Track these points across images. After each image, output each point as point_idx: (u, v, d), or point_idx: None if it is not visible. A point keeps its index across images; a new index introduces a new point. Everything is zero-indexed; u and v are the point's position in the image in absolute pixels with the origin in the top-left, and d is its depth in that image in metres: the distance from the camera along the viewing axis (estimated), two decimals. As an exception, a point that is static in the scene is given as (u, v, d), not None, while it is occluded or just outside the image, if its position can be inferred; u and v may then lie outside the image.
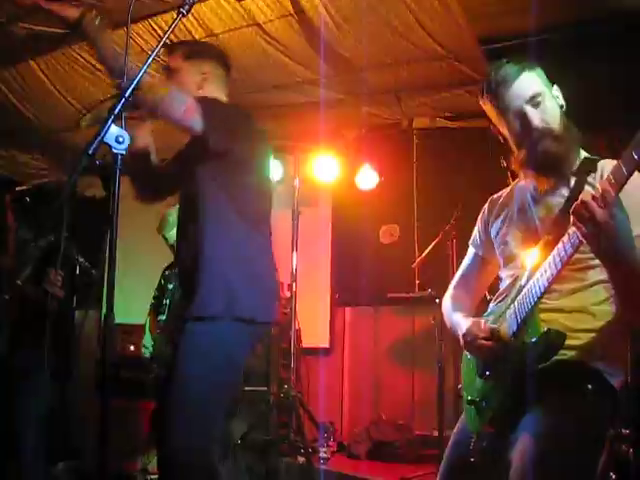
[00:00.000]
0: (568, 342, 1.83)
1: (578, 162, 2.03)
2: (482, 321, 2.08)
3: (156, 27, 4.61)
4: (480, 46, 4.50)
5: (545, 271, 1.84)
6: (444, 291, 2.48)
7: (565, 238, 1.77)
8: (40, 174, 6.95)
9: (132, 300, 6.38)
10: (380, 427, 5.23)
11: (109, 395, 1.74)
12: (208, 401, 2.42)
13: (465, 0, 4.14)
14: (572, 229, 1.72)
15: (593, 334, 1.90)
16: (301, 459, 4.66)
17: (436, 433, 4.54)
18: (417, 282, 5.51)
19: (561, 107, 2.07)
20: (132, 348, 5.77)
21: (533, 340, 1.84)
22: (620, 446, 3.27)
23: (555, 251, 1.81)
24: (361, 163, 5.78)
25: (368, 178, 5.79)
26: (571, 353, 1.86)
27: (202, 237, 2.50)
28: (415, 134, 6.06)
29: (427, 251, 4.75)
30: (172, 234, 4.23)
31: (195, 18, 4.44)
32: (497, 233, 2.22)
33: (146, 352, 4.47)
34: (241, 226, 2.55)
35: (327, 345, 6.13)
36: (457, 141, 5.58)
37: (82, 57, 4.98)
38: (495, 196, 2.34)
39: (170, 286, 4.44)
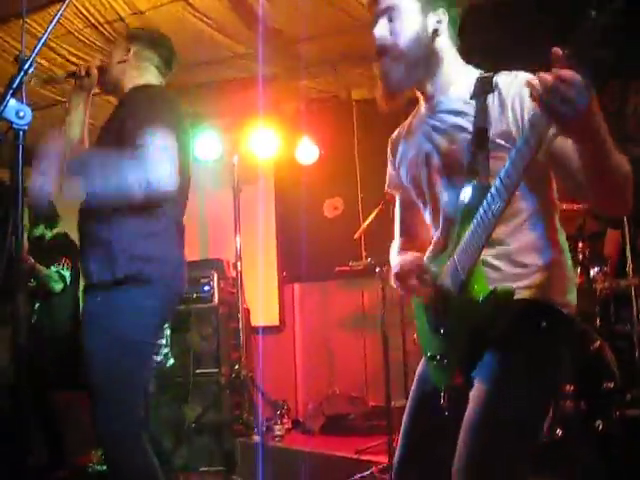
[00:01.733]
0: (517, 284, 1.78)
1: (470, 84, 1.90)
2: (417, 255, 2.00)
3: (82, 9, 4.49)
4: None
5: (484, 215, 1.71)
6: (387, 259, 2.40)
7: (502, 174, 1.63)
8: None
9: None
10: (334, 401, 5.22)
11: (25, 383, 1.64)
12: (123, 380, 2.44)
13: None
14: (507, 163, 1.60)
15: (539, 269, 1.83)
16: (256, 438, 4.63)
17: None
18: (364, 253, 5.48)
19: (433, 32, 1.94)
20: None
21: (480, 300, 1.76)
22: (564, 402, 3.31)
23: (493, 190, 1.67)
24: (301, 137, 5.71)
25: (309, 152, 5.73)
26: (522, 293, 1.79)
27: (106, 217, 2.50)
28: (354, 105, 6.00)
29: (368, 221, 4.71)
30: None
31: (119, -5, 4.32)
32: (406, 175, 2.10)
33: None
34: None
35: (277, 323, 6.09)
36: (396, 110, 5.55)
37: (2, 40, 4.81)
38: (394, 136, 2.21)
39: None
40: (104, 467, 4.57)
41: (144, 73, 2.83)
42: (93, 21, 4.61)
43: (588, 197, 1.75)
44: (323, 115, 5.93)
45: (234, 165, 5.27)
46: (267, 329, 5.93)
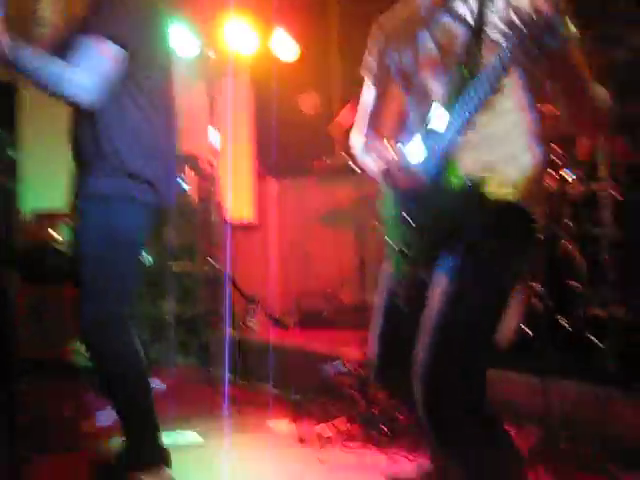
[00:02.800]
0: (491, 174, 1.80)
1: None
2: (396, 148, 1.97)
3: None
4: None
5: (466, 105, 1.75)
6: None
7: (488, 68, 1.69)
8: None
9: (53, 186, 6.20)
10: (308, 298, 5.31)
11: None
12: (106, 276, 2.52)
13: None
14: (495, 63, 1.65)
15: (509, 165, 1.86)
16: (232, 332, 4.71)
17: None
18: (340, 150, 5.43)
19: None
20: (54, 235, 5.62)
21: (454, 188, 1.80)
22: (532, 300, 3.39)
23: (477, 83, 1.72)
24: (276, 29, 5.53)
25: (286, 46, 5.57)
26: (493, 189, 1.80)
27: (96, 120, 2.49)
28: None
29: (344, 118, 4.64)
30: None
31: None
32: (393, 62, 2.07)
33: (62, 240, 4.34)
34: (135, 106, 2.53)
35: (253, 220, 6.09)
36: (379, 6, 5.38)
37: None
38: (382, 20, 2.16)
39: None
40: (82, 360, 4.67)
41: None
42: None
43: (564, 116, 1.83)
44: (301, 9, 5.74)
45: (210, 58, 5.11)
46: (243, 226, 5.95)
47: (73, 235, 4.05)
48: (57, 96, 2.37)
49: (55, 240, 5.58)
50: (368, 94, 2.21)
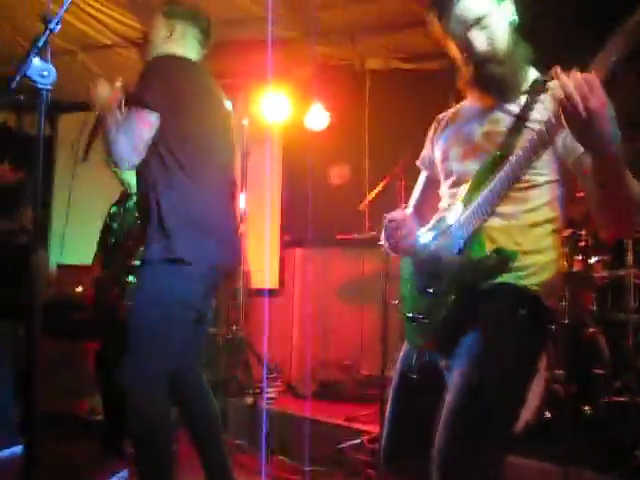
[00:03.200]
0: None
1: (528, 81, 1.99)
2: (405, 212, 2.10)
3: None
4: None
5: (495, 187, 1.84)
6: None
7: (520, 153, 1.77)
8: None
9: (80, 241, 6.32)
10: (327, 368, 5.29)
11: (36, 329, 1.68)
12: (153, 337, 2.64)
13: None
14: (527, 143, 1.73)
15: (532, 256, 1.90)
16: (248, 399, 4.69)
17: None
18: (368, 224, 5.50)
19: (511, 23, 2.00)
20: (79, 289, 5.71)
21: (483, 255, 1.84)
22: (553, 386, 3.36)
23: (507, 166, 1.81)
24: (312, 103, 5.69)
25: (319, 118, 5.71)
26: (509, 275, 1.86)
27: (146, 188, 2.72)
28: (368, 75, 5.97)
29: (374, 193, 4.73)
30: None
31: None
32: (441, 150, 2.17)
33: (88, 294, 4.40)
34: (182, 175, 2.70)
35: (277, 286, 6.13)
36: (410, 83, 5.52)
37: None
38: (441, 115, 2.29)
39: (115, 225, 4.35)
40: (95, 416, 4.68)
41: (186, 48, 2.95)
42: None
43: (596, 219, 1.88)
44: (336, 83, 5.90)
45: (244, 127, 5.26)
46: (266, 292, 5.97)
47: (101, 292, 4.13)
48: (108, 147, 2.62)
49: (78, 294, 5.66)
50: (420, 180, 2.35)
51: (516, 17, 2.02)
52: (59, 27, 1.76)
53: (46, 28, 1.74)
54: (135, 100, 2.64)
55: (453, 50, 2.05)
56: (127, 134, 2.59)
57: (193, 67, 2.90)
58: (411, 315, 2.07)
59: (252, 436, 4.32)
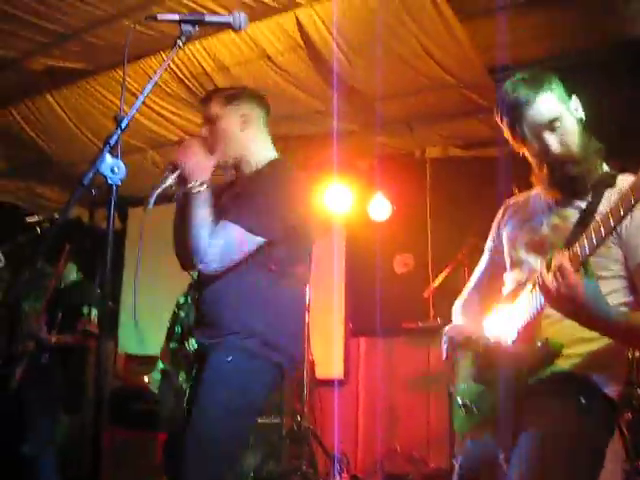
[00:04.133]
0: (565, 351, 1.84)
1: (597, 175, 2.01)
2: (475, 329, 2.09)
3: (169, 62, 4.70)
4: (489, 74, 4.51)
5: None
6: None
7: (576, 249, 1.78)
8: (59, 207, 7.05)
9: (148, 332, 6.44)
10: (394, 460, 5.16)
11: (102, 422, 1.72)
12: (227, 440, 2.42)
13: (473, 30, 4.18)
14: (584, 241, 1.75)
15: (591, 344, 1.89)
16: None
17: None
18: (433, 312, 5.46)
19: (580, 121, 2.03)
20: (146, 379, 5.77)
21: (534, 346, 1.85)
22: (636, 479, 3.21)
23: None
24: (374, 193, 5.77)
25: (381, 208, 5.78)
26: (566, 363, 1.86)
27: (229, 284, 2.49)
28: (428, 163, 6.05)
29: (438, 281, 4.73)
30: None
31: (206, 52, 4.52)
32: (508, 237, 2.20)
33: (153, 384, 4.43)
34: (268, 273, 2.52)
35: (341, 376, 6.08)
36: (470, 170, 5.57)
37: (97, 91, 5.07)
38: (511, 201, 2.30)
39: (182, 314, 4.44)
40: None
41: (264, 138, 2.75)
42: (180, 75, 4.83)
43: None
44: (397, 172, 5.99)
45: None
46: (331, 382, 5.93)
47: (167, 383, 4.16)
48: (185, 251, 2.44)
49: (145, 385, 5.71)
50: (482, 263, 2.34)
51: (583, 114, 2.05)
52: (129, 126, 1.87)
53: (117, 127, 1.85)
54: (237, 218, 2.43)
55: (524, 151, 2.08)
56: (221, 248, 2.40)
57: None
58: (461, 402, 2.05)
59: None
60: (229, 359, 2.42)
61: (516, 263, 2.13)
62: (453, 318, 2.37)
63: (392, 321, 5.58)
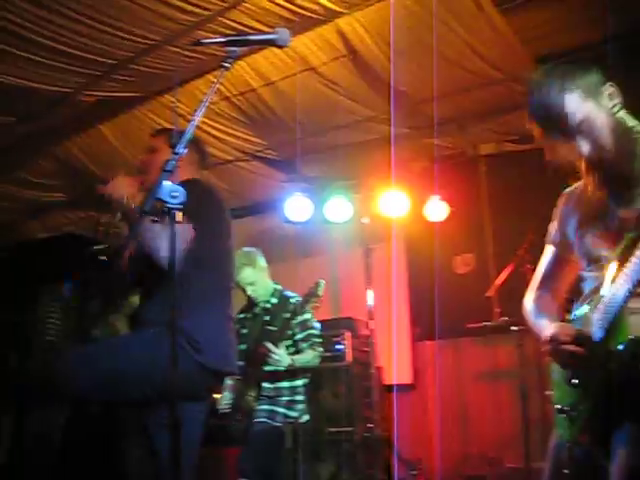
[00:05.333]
0: None
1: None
2: (568, 325, 2.01)
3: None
4: (536, 65, 4.45)
5: (631, 272, 1.77)
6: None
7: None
8: (120, 233, 7.18)
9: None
10: (470, 462, 5.10)
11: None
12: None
13: (516, 21, 4.13)
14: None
15: None
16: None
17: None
18: (498, 311, 5.39)
19: (615, 111, 1.94)
20: (216, 396, 5.83)
21: (620, 348, 1.78)
22: None
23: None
24: (430, 195, 5.73)
25: (438, 209, 5.74)
26: None
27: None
28: (482, 161, 5.99)
29: (501, 279, 4.67)
30: (241, 276, 4.32)
31: (251, 68, 4.57)
32: (574, 231, 2.12)
33: (224, 402, 4.45)
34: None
35: (410, 381, 6.04)
36: (526, 163, 5.47)
37: (148, 117, 5.18)
38: (568, 190, 2.22)
39: (244, 331, 4.47)
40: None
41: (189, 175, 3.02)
42: (227, 94, 4.89)
43: None
44: (451, 172, 5.94)
45: (364, 225, 5.35)
46: (400, 387, 5.89)
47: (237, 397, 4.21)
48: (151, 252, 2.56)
49: (217, 402, 5.77)
50: (547, 257, 2.28)
51: (618, 100, 1.96)
52: (185, 151, 1.91)
53: (173, 152, 1.89)
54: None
55: (563, 154, 2.02)
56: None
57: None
58: (559, 407, 2.00)
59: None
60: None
61: (591, 258, 2.05)
62: (528, 317, 2.30)
63: (457, 322, 5.54)
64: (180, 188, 1.84)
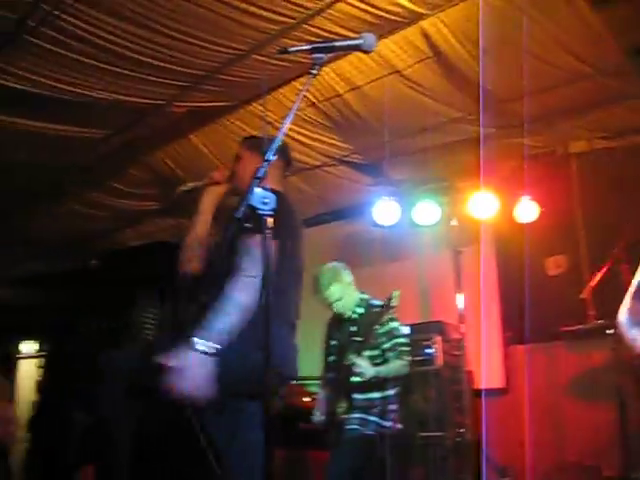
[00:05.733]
0: None
1: None
2: None
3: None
4: (629, 57, 4.31)
5: None
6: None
7: None
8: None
9: (306, 353, 6.57)
10: (564, 469, 4.96)
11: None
12: None
13: (606, 14, 4.00)
14: None
15: None
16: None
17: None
18: (592, 313, 5.24)
19: None
20: (306, 399, 5.89)
21: None
22: None
23: None
24: (520, 195, 5.62)
25: (528, 210, 5.62)
26: None
27: None
28: (573, 159, 5.83)
29: (595, 280, 4.54)
30: (328, 293, 4.35)
31: (336, 74, 4.60)
32: None
33: (316, 418, 4.47)
34: None
35: (502, 385, 5.92)
36: (619, 161, 5.32)
37: (237, 126, 5.28)
38: None
39: (333, 342, 4.48)
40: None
41: (276, 181, 3.01)
42: (313, 99, 4.93)
43: None
44: (541, 171, 5.80)
45: (453, 228, 5.29)
46: (491, 392, 5.79)
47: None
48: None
49: (306, 406, 5.83)
50: None
51: None
52: (276, 157, 1.95)
53: (264, 159, 1.93)
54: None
55: None
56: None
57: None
58: None
59: None
60: None
61: None
62: (621, 328, 2.23)
63: (550, 325, 5.41)
64: (271, 195, 1.88)
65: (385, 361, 4.23)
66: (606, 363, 4.78)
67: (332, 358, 4.44)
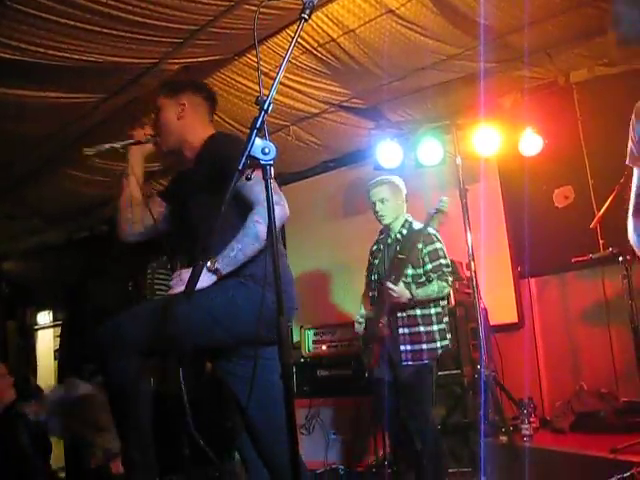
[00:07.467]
0: None
1: None
2: None
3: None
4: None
5: None
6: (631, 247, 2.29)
7: None
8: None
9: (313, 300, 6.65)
10: (582, 398, 5.00)
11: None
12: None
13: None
14: None
15: None
16: (503, 438, 4.56)
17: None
18: (601, 242, 5.24)
19: None
20: (324, 348, 5.95)
21: None
22: None
23: None
24: (523, 129, 5.55)
25: (532, 143, 5.55)
26: None
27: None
28: (574, 88, 5.76)
29: (603, 209, 4.51)
30: (383, 208, 4.44)
31: (329, 18, 4.52)
32: None
33: (358, 327, 4.56)
34: None
35: (516, 320, 5.96)
36: (621, 86, 5.23)
37: (232, 78, 5.22)
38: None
39: (376, 261, 4.52)
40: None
41: (205, 124, 3.03)
42: (307, 46, 4.86)
43: None
44: (542, 103, 5.75)
45: (458, 166, 5.24)
46: (506, 327, 5.83)
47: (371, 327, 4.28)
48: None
49: (324, 356, 5.90)
50: (635, 177, 2.18)
51: None
52: (272, 107, 1.93)
53: (261, 110, 1.91)
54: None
55: None
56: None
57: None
58: None
59: (510, 476, 4.19)
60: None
61: None
62: (635, 246, 2.20)
63: (560, 257, 5.41)
64: (271, 144, 1.86)
65: (428, 281, 4.27)
66: (618, 290, 4.78)
67: (375, 277, 4.50)
